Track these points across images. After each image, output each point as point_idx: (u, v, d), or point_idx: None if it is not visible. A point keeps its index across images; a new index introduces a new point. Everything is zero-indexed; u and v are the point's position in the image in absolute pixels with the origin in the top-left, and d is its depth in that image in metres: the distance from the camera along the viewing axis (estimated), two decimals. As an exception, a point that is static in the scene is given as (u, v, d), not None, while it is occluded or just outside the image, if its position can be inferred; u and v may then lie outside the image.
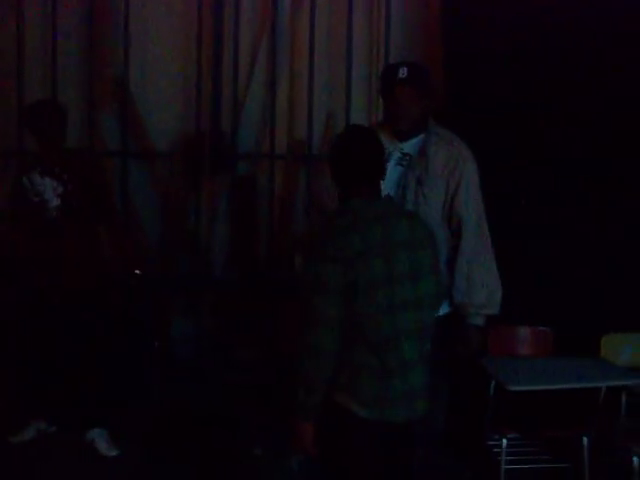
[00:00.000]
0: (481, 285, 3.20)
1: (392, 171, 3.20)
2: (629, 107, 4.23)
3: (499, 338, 3.80)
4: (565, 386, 3.33)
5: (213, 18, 4.79)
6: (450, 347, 3.18)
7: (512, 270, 3.35)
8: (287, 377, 4.06)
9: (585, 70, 4.31)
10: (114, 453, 3.93)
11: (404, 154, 3.26)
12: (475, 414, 3.43)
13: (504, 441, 3.49)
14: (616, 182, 4.31)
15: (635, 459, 3.43)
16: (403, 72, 3.20)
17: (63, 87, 4.79)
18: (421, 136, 3.28)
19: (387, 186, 3.12)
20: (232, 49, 4.80)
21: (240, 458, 3.92)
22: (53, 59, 4.78)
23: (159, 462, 3.84)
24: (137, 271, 4.41)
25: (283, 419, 2.67)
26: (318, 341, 2.46)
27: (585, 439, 3.50)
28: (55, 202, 3.94)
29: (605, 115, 4.26)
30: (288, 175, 4.90)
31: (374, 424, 2.53)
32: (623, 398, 3.49)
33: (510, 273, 3.30)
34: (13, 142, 4.79)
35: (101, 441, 3.97)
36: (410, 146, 3.26)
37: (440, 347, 2.84)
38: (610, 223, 4.28)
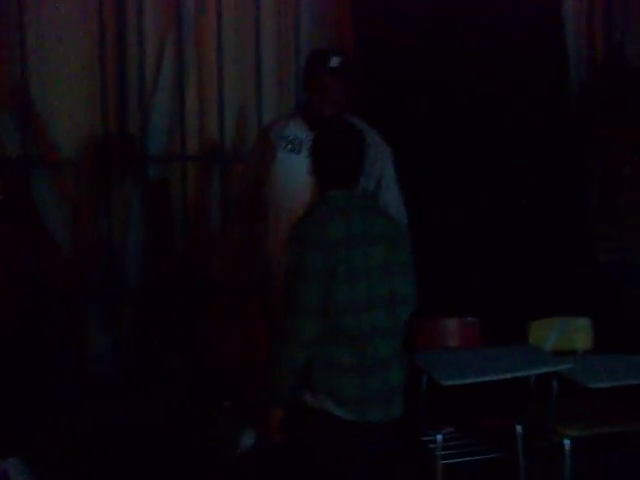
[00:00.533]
0: None
1: (303, 162, 3.08)
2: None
3: (427, 331, 3.74)
4: (497, 377, 3.27)
5: (115, 14, 4.57)
6: None
7: (436, 262, 3.31)
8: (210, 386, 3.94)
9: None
10: None
11: None
12: (408, 410, 3.34)
13: (439, 436, 3.45)
14: (539, 173, 4.35)
15: (566, 442, 3.44)
16: (335, 62, 3.15)
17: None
18: None
19: (298, 177, 3.10)
20: (137, 46, 4.58)
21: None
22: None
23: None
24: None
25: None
26: (298, 327, 2.50)
27: (519, 427, 3.50)
28: None
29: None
30: (201, 176, 4.73)
31: (351, 424, 2.55)
32: (554, 383, 3.46)
33: (434, 265, 3.26)
34: None
35: (16, 472, 3.68)
36: None
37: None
38: (532, 211, 4.30)
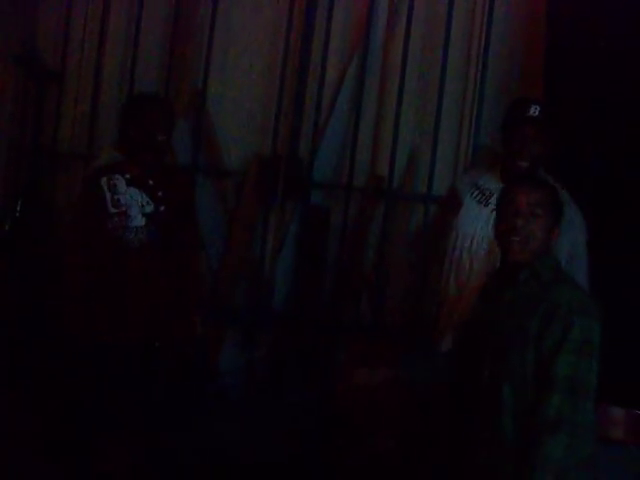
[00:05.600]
0: None
1: (488, 214, 2.91)
2: None
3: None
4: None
5: (302, 37, 4.36)
6: None
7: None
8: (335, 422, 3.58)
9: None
10: None
11: None
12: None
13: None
14: None
15: None
16: (535, 110, 3.01)
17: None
18: None
19: (478, 226, 2.98)
20: (319, 71, 4.34)
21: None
22: (132, 66, 4.42)
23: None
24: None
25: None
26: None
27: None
28: (139, 221, 3.08)
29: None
30: (364, 210, 4.42)
31: None
32: None
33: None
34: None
35: None
36: None
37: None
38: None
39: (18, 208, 4.39)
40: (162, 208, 3.15)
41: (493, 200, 2.85)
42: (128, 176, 3.16)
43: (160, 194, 3.16)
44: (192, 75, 4.43)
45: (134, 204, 3.11)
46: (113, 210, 3.09)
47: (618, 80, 3.79)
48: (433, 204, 4.12)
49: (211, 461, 3.62)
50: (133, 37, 4.41)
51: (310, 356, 4.25)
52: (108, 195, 3.10)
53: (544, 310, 2.24)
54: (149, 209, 3.13)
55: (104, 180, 3.13)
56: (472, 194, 3.06)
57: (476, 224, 2.96)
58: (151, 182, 3.17)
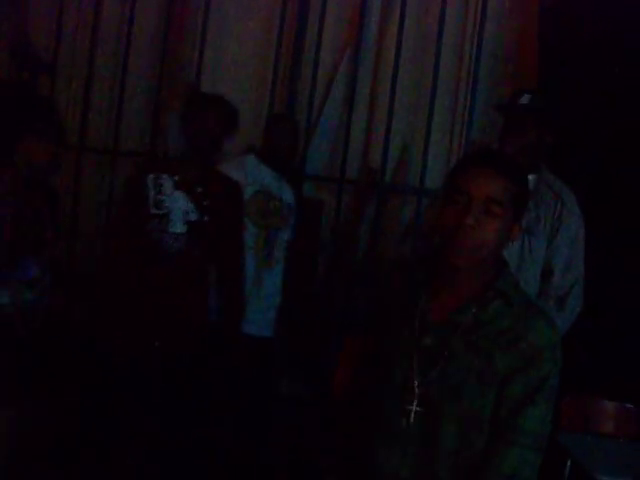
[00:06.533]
0: None
1: None
2: None
3: (576, 410, 3.29)
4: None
5: (295, 32, 4.34)
6: None
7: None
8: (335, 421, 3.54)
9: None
10: None
11: None
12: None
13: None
14: None
15: None
16: (526, 99, 2.89)
17: (131, 90, 4.39)
18: (534, 176, 2.87)
19: None
20: (312, 65, 4.31)
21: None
22: (125, 58, 4.39)
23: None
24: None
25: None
26: None
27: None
28: (180, 228, 2.84)
29: None
30: (356, 202, 4.42)
31: None
32: None
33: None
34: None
35: None
36: None
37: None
38: None
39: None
40: (206, 218, 2.89)
41: None
42: (176, 178, 2.91)
43: (206, 203, 2.91)
44: (185, 71, 4.40)
45: (177, 209, 2.87)
46: (155, 211, 2.86)
47: (613, 75, 3.80)
48: (425, 197, 4.13)
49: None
50: (126, 29, 4.37)
51: (303, 348, 4.25)
52: (152, 194, 2.86)
53: (521, 351, 1.81)
54: (193, 217, 2.88)
55: (151, 178, 2.89)
56: None
57: None
58: (199, 189, 2.92)
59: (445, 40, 4.20)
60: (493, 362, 1.81)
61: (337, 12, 4.36)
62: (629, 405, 3.27)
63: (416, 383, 1.84)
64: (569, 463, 3.00)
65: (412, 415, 1.84)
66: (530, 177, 2.80)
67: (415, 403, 1.84)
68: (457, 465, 1.82)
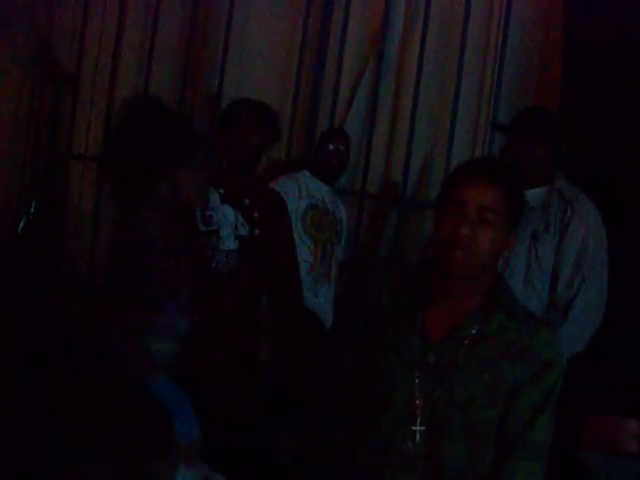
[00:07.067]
0: None
1: None
2: None
3: (600, 429, 3.17)
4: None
5: (317, 43, 4.32)
6: None
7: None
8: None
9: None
10: None
11: None
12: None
13: None
14: None
15: None
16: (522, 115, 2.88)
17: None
18: (544, 188, 2.83)
19: None
20: (334, 77, 4.28)
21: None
22: (147, 69, 4.37)
23: None
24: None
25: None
26: None
27: None
28: (231, 245, 2.62)
29: None
30: (377, 216, 4.35)
31: None
32: None
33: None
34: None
35: None
36: (530, 195, 2.74)
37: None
38: None
39: (32, 210, 4.36)
40: (257, 232, 2.70)
41: None
42: (222, 191, 2.70)
43: (256, 215, 2.71)
44: (207, 79, 4.38)
45: (227, 224, 2.66)
46: (203, 228, 2.65)
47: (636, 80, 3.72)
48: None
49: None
50: (149, 40, 4.37)
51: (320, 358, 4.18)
52: (199, 210, 2.63)
53: (529, 364, 1.80)
54: (243, 231, 2.68)
55: None
56: None
57: None
58: (247, 201, 2.72)
59: (468, 52, 4.14)
60: (502, 374, 1.81)
61: (359, 23, 4.33)
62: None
63: (419, 402, 1.81)
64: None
65: (417, 436, 1.80)
66: (539, 190, 2.75)
67: (419, 422, 1.81)
68: None
